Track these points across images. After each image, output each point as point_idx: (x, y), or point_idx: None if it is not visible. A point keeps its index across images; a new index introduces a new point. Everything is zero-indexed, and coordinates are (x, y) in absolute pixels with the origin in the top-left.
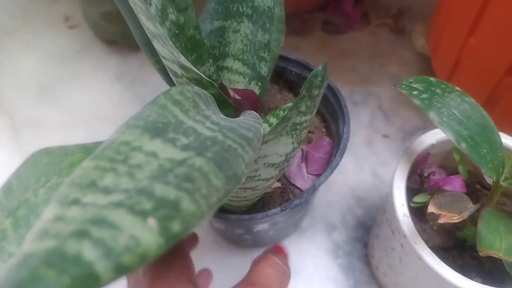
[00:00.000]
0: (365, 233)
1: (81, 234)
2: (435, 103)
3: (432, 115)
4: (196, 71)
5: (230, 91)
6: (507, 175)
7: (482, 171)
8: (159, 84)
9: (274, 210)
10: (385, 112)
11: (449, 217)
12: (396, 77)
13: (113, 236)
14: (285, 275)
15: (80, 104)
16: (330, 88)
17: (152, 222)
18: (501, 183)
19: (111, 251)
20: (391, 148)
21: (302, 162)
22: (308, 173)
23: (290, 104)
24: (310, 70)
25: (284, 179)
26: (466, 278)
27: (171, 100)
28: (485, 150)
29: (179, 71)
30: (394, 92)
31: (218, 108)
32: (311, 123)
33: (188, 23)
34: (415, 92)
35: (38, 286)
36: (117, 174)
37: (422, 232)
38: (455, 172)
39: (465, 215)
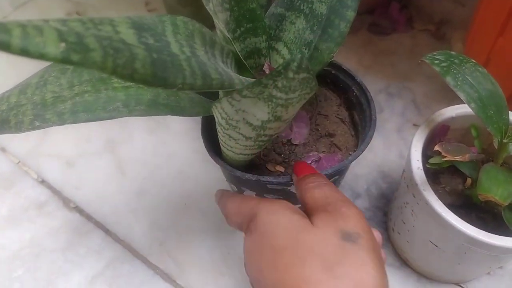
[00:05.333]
0: (386, 204)
1: (39, 29)
2: (452, 70)
3: (449, 79)
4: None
5: (266, 64)
6: (509, 134)
7: (488, 130)
8: None
9: (268, 178)
10: (418, 105)
11: (452, 157)
12: (432, 75)
13: (40, 39)
14: (319, 174)
15: None
16: (367, 101)
17: (62, 45)
18: (504, 141)
19: (34, 43)
20: None
21: (312, 163)
22: None
23: None
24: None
25: (290, 169)
26: (466, 223)
27: (171, 21)
28: (492, 112)
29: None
30: (428, 88)
31: (221, 55)
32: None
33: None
34: (436, 62)
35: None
36: (83, 24)
37: (435, 191)
38: None
39: (467, 157)
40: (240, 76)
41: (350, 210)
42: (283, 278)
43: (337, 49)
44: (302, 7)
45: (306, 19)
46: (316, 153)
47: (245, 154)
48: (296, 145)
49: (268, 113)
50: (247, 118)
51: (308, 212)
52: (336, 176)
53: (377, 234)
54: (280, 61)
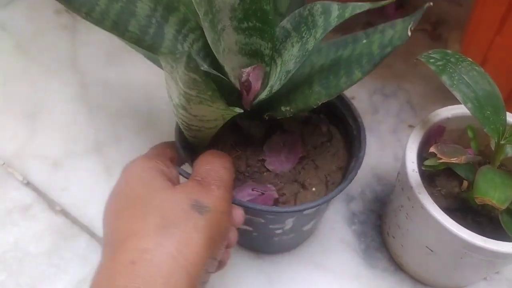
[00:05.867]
0: (381, 207)
1: None
2: (448, 69)
3: (444, 78)
4: None
5: (250, 68)
6: (507, 135)
7: (485, 130)
8: None
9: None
10: (413, 106)
11: (448, 159)
12: (428, 76)
13: None
14: (226, 157)
15: (141, 71)
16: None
17: None
18: (501, 142)
19: None
20: None
21: (254, 190)
22: None
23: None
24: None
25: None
26: (462, 227)
27: None
28: (489, 112)
29: None
30: (424, 89)
31: (179, 25)
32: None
33: (270, 3)
34: (432, 60)
35: None
36: None
37: (430, 194)
38: None
39: (463, 159)
40: (186, 50)
41: (219, 190)
42: (119, 227)
43: (325, 100)
44: (304, 35)
45: (299, 49)
46: (273, 189)
47: (186, 132)
48: (269, 170)
49: (177, 96)
50: (170, 90)
51: (190, 178)
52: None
53: (238, 213)
54: (274, 77)
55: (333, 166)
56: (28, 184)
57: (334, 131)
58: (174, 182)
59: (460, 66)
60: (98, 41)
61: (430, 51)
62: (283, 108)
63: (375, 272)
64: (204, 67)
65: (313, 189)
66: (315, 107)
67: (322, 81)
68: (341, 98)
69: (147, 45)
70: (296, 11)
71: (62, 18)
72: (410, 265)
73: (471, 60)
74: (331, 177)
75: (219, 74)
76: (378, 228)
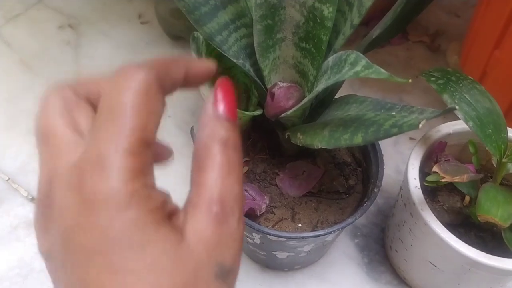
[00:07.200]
0: (384, 220)
1: None
2: (449, 87)
3: (445, 97)
4: None
5: (280, 85)
6: (508, 153)
7: (486, 148)
8: None
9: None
10: None
11: (450, 178)
12: (428, 88)
13: None
14: (236, 150)
15: None
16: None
17: None
18: (503, 160)
19: None
20: None
21: (248, 191)
22: None
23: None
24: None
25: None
26: (466, 244)
27: None
28: (490, 130)
29: None
30: (425, 102)
31: (234, 15)
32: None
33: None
34: (433, 79)
35: None
36: None
37: (433, 210)
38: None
39: (465, 178)
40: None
41: (240, 223)
42: (93, 282)
43: (323, 147)
44: (330, 76)
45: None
46: (266, 202)
47: None
48: (277, 186)
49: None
50: None
51: (193, 184)
52: None
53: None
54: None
55: (331, 218)
56: (33, 199)
57: (358, 190)
58: (167, 211)
59: (461, 85)
60: (101, 56)
61: (431, 69)
62: (298, 135)
63: (379, 285)
64: (239, 61)
65: (299, 225)
66: (316, 148)
67: (333, 128)
68: (378, 164)
69: (194, 18)
70: (341, 52)
71: (65, 34)
72: (414, 279)
73: (472, 78)
74: (321, 225)
75: (252, 75)
76: (381, 241)
